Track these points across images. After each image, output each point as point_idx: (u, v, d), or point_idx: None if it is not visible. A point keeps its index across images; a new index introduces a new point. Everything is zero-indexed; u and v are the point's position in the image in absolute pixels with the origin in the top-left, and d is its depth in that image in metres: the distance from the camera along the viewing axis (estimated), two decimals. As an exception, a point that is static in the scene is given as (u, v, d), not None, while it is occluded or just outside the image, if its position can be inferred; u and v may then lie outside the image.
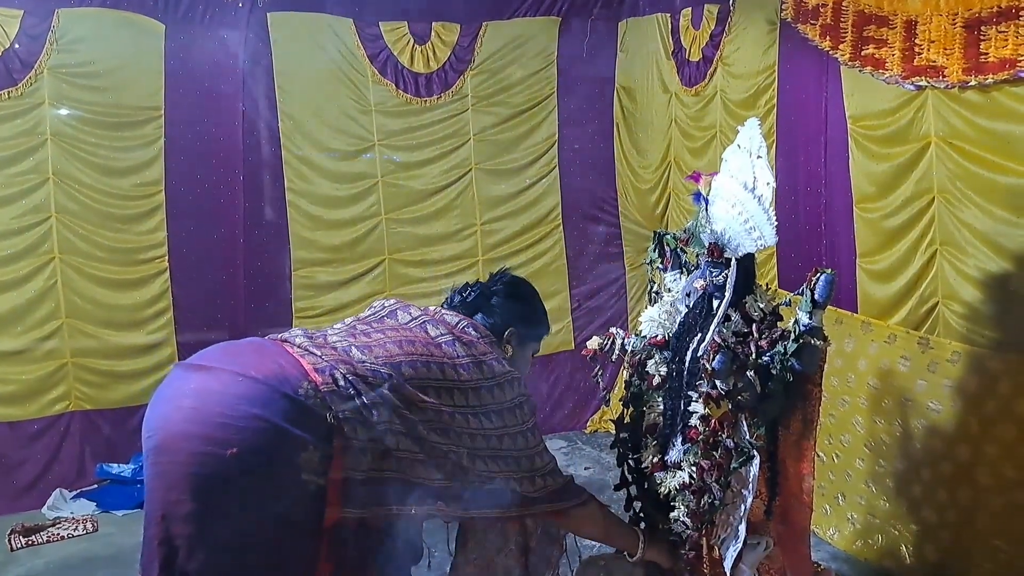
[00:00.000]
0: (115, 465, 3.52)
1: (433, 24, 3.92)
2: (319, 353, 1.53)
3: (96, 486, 3.52)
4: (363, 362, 1.53)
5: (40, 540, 3.13)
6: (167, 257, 3.60)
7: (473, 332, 1.72)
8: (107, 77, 3.44)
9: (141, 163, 3.54)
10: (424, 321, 1.71)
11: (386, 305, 1.80)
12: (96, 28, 3.41)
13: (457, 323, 1.73)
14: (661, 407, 2.10)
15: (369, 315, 1.78)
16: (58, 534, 3.18)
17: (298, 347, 1.55)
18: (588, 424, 4.26)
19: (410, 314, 1.74)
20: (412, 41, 3.90)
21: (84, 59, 3.41)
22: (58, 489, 3.45)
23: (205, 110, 3.62)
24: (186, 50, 3.56)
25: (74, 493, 3.47)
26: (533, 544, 1.94)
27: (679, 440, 2.00)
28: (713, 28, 3.53)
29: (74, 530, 3.21)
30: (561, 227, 4.23)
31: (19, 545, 3.10)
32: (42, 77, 3.34)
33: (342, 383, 1.48)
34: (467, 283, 1.90)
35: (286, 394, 1.44)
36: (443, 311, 1.77)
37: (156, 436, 1.46)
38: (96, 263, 3.51)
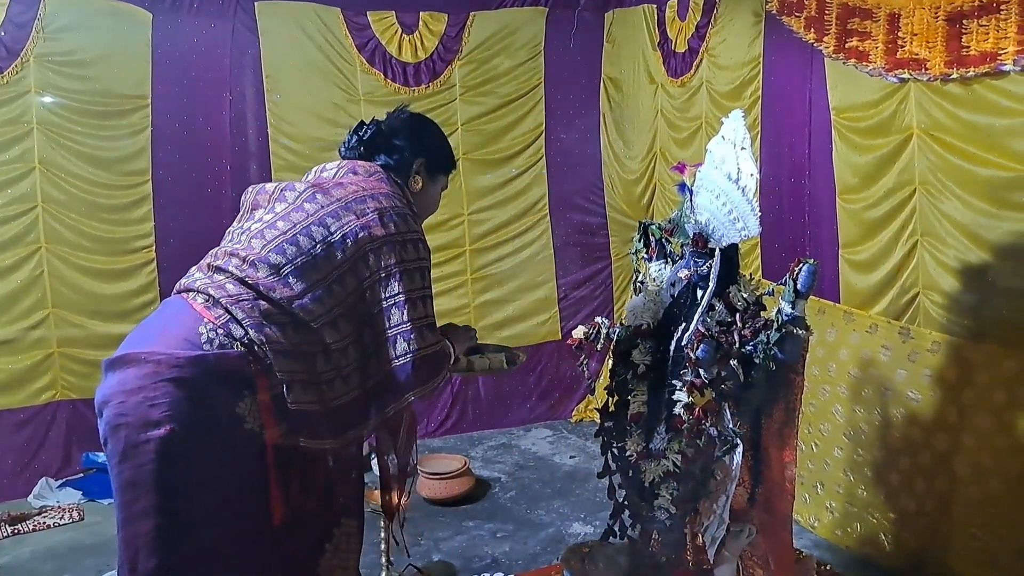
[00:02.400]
0: (101, 454, 3.50)
1: (421, 13, 3.91)
2: (201, 287, 1.55)
3: (82, 475, 3.51)
4: (238, 272, 1.54)
5: (26, 529, 3.13)
6: (154, 247, 3.59)
7: (352, 175, 1.67)
8: (94, 66, 3.41)
9: (128, 152, 3.52)
10: (282, 190, 1.66)
11: (248, 196, 1.74)
12: (83, 16, 3.37)
13: (335, 174, 1.69)
14: (646, 396, 2.13)
15: (241, 214, 1.74)
16: (44, 523, 3.17)
17: (187, 291, 1.57)
18: (574, 413, 4.30)
19: (267, 192, 1.69)
20: (400, 30, 3.89)
21: (71, 47, 3.37)
22: (44, 478, 3.44)
23: (192, 99, 3.59)
24: (173, 39, 3.53)
25: (60, 482, 3.47)
26: None
27: (663, 428, 2.03)
28: (699, 19, 3.54)
29: (60, 519, 3.21)
30: (548, 217, 4.24)
31: (5, 534, 3.09)
32: (28, 65, 3.30)
33: (229, 306, 1.50)
34: (362, 121, 1.82)
35: (192, 356, 1.47)
36: (323, 166, 1.73)
37: (107, 441, 1.51)
38: (83, 253, 3.49)
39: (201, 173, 3.66)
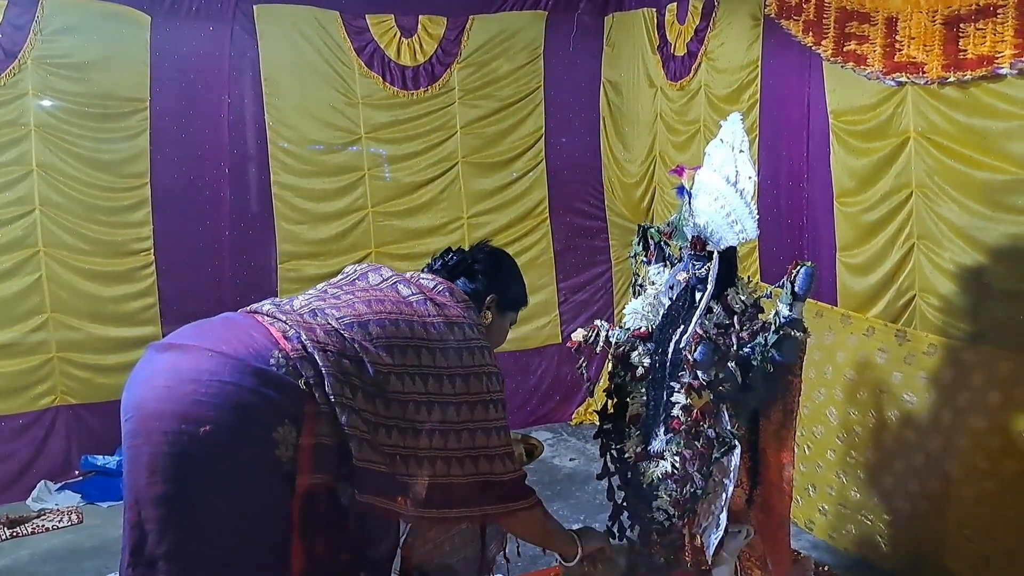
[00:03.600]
0: (100, 457, 3.52)
1: (420, 17, 3.92)
2: (286, 320, 1.53)
3: (81, 478, 3.52)
4: (330, 325, 1.53)
5: (25, 531, 3.13)
6: (153, 250, 3.59)
7: (449, 295, 1.70)
8: (92, 68, 3.41)
9: (126, 155, 3.52)
10: (396, 281, 1.70)
11: (358, 269, 1.78)
12: (81, 19, 3.38)
13: (434, 286, 1.71)
14: (644, 398, 2.13)
15: (341, 278, 1.77)
16: (43, 526, 3.17)
17: (267, 316, 1.56)
18: (574, 416, 4.30)
19: (382, 275, 1.73)
20: (399, 34, 3.90)
21: (69, 50, 3.38)
22: (43, 481, 3.44)
23: (191, 102, 3.60)
24: (172, 42, 3.54)
25: (59, 485, 3.47)
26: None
27: (662, 430, 2.04)
28: (698, 23, 3.56)
29: (59, 522, 3.21)
30: (548, 221, 4.25)
31: (4, 536, 3.09)
32: (26, 68, 3.31)
33: (310, 348, 1.48)
34: (449, 248, 1.89)
35: (258, 367, 1.44)
36: (420, 274, 1.77)
37: (131, 419, 1.46)
38: (81, 256, 3.50)
39: (200, 176, 3.67)
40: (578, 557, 1.85)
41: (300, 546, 1.49)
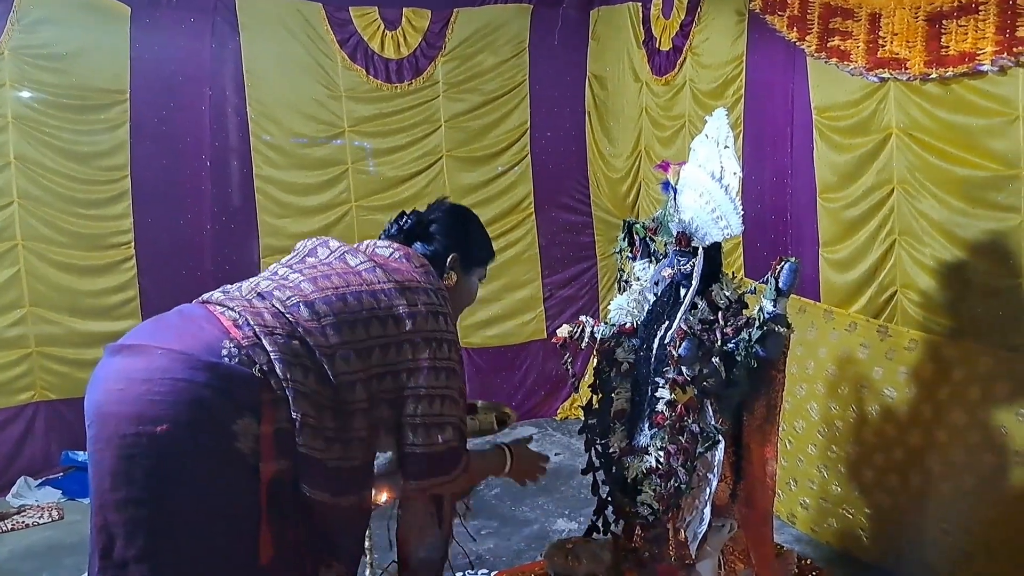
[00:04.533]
0: (80, 453, 3.48)
1: (404, 10, 3.89)
2: (235, 306, 1.52)
3: (61, 474, 3.48)
4: (276, 308, 1.52)
5: (5, 528, 3.09)
6: (133, 243, 3.55)
7: (406, 261, 1.66)
8: (70, 59, 3.36)
9: (106, 147, 3.47)
10: (344, 252, 1.67)
11: (307, 244, 1.75)
12: (59, 9, 3.33)
13: (389, 254, 1.68)
14: (629, 393, 2.14)
15: (292, 257, 1.73)
16: (23, 522, 3.14)
17: (218, 305, 1.54)
18: (559, 411, 4.31)
19: (330, 248, 1.70)
20: (382, 26, 3.87)
21: (47, 40, 3.32)
22: (23, 477, 3.40)
23: (172, 94, 3.56)
24: (152, 33, 3.49)
25: (39, 481, 3.43)
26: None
27: (646, 425, 2.05)
28: (683, 18, 3.56)
29: (39, 518, 3.18)
30: (533, 216, 4.24)
31: (-17, 534, 3.06)
32: (3, 58, 3.25)
33: (259, 333, 1.47)
34: (403, 211, 1.83)
35: (209, 361, 1.43)
36: (375, 242, 1.73)
37: (92, 424, 1.46)
38: (61, 249, 3.45)
39: (181, 169, 3.62)
40: (508, 467, 1.81)
41: (269, 533, 1.48)
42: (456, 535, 2.77)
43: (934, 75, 2.42)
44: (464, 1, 3.99)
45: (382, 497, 2.62)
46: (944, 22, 2.38)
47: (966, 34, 2.33)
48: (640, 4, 3.87)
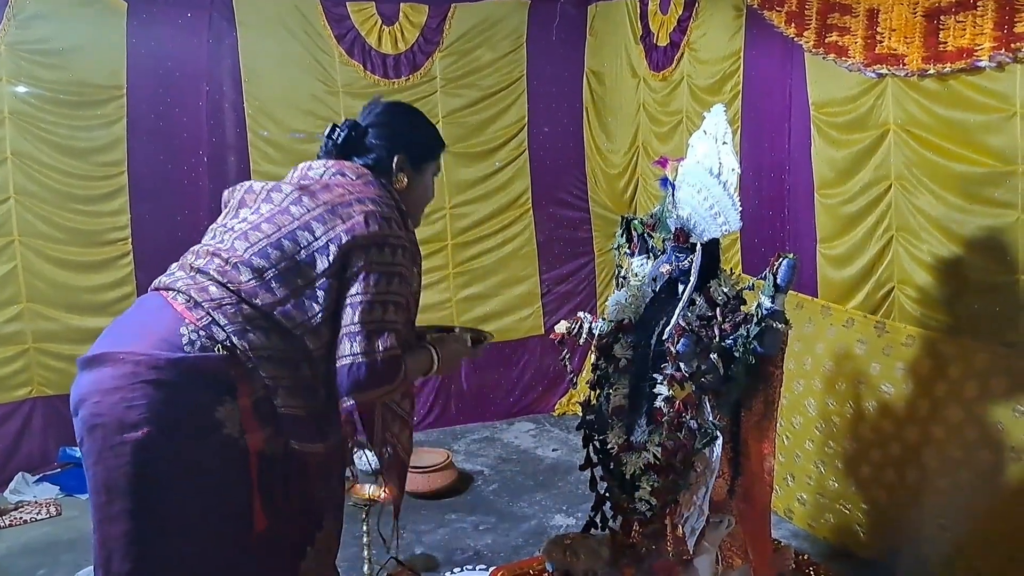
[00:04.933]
0: (78, 448, 3.47)
1: (401, 4, 3.88)
2: (182, 287, 1.52)
3: (59, 470, 3.47)
4: (217, 279, 1.50)
5: (2, 524, 3.09)
6: (130, 239, 3.54)
7: (342, 176, 1.61)
8: (67, 55, 3.35)
9: (103, 143, 3.46)
10: (269, 192, 1.62)
11: (234, 195, 1.69)
12: (56, 5, 3.31)
13: (322, 173, 1.62)
14: (627, 389, 2.14)
15: (225, 215, 1.68)
16: (21, 518, 3.14)
17: (168, 290, 1.54)
18: (556, 407, 4.31)
19: (255, 192, 1.64)
20: (380, 22, 3.86)
21: (43, 36, 3.31)
22: (20, 473, 3.40)
23: (169, 89, 3.54)
24: (149, 28, 3.47)
25: (37, 477, 3.42)
26: None
27: (644, 421, 2.05)
28: (680, 13, 3.55)
29: (37, 514, 3.17)
30: (531, 211, 4.24)
31: (-20, 530, 3.06)
32: (-1, 54, 3.25)
33: (210, 309, 1.48)
34: (335, 124, 1.73)
35: (171, 357, 1.44)
36: (310, 165, 1.67)
37: (81, 442, 1.49)
38: (57, 245, 3.44)
39: (178, 164, 3.61)
40: (436, 366, 1.72)
41: (260, 503, 1.50)
42: (454, 531, 2.77)
43: (932, 71, 2.41)
44: (462, -5, 3.98)
45: (381, 494, 2.62)
46: (942, 18, 2.38)
47: (964, 30, 2.32)
48: (638, 0, 3.87)
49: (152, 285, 1.61)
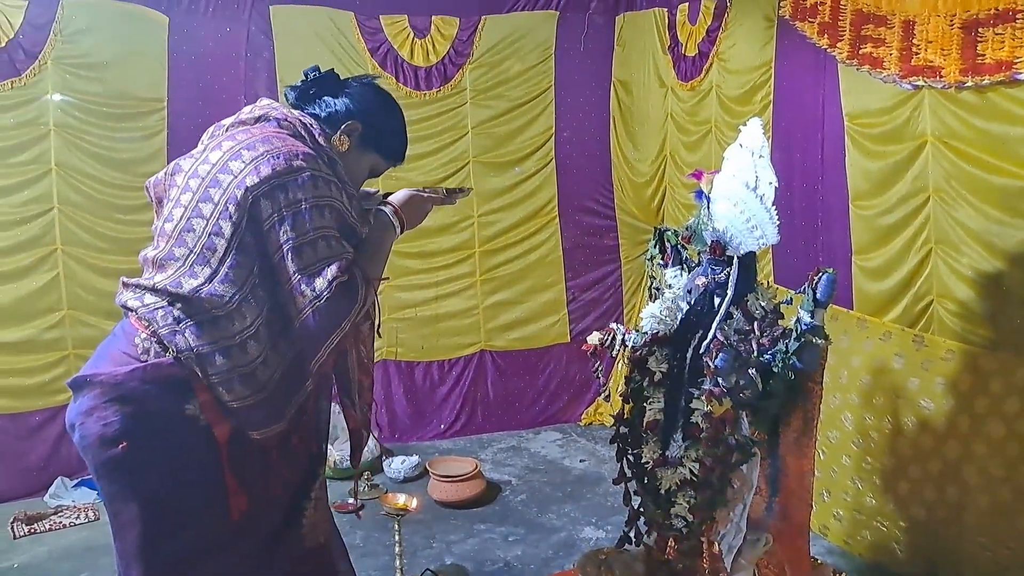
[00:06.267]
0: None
1: (433, 18, 3.92)
2: (132, 300, 1.55)
3: (97, 475, 3.54)
4: (151, 285, 1.52)
5: (42, 528, 3.15)
6: (168, 248, 3.61)
7: (276, 126, 1.55)
8: (110, 68, 3.43)
9: (144, 154, 3.53)
10: (197, 166, 1.56)
11: (162, 180, 1.63)
12: (100, 19, 3.39)
13: (257, 118, 1.58)
14: (662, 404, 2.14)
15: (167, 203, 1.61)
16: (60, 522, 3.20)
17: (124, 306, 1.57)
18: (583, 416, 4.30)
19: (183, 169, 1.58)
20: (412, 34, 3.91)
21: (87, 50, 3.39)
22: (60, 478, 3.46)
23: (208, 102, 3.60)
24: (189, 41, 3.55)
25: (75, 481, 3.49)
26: None
27: (680, 436, 2.04)
28: (710, 23, 3.55)
29: (76, 518, 3.23)
30: (557, 219, 4.25)
31: (22, 533, 3.11)
32: (46, 67, 3.32)
33: (154, 315, 1.50)
34: (316, 66, 1.68)
35: (131, 371, 1.49)
36: (223, 122, 1.63)
37: (88, 466, 1.57)
38: (98, 254, 3.51)
39: (215, 176, 3.67)
40: (398, 226, 1.68)
41: (236, 489, 1.55)
42: (484, 541, 2.78)
43: (970, 83, 2.39)
44: (491, 9, 4.01)
45: (412, 503, 2.64)
46: (980, 30, 2.35)
47: (1003, 42, 2.30)
48: (666, 10, 3.87)
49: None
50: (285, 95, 1.72)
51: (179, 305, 1.50)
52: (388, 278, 1.71)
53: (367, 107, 1.67)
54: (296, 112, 1.62)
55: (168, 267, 1.52)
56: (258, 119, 1.59)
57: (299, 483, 1.69)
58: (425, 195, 1.76)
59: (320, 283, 1.47)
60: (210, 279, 1.48)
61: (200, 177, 1.52)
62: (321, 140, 1.60)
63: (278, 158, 1.48)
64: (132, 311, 1.55)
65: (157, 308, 1.51)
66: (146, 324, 1.52)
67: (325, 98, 1.65)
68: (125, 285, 1.59)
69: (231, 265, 1.48)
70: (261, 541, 1.62)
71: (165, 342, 1.49)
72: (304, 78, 1.68)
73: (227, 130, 1.61)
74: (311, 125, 1.60)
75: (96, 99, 3.43)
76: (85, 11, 3.36)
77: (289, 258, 1.46)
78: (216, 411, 1.52)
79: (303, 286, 1.47)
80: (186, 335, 1.49)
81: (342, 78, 1.71)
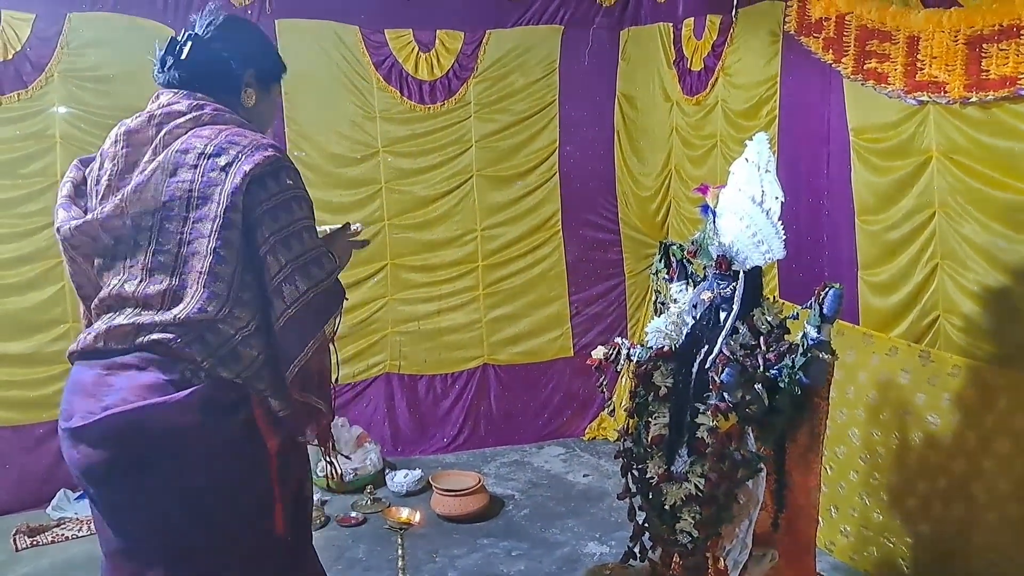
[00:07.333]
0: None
1: (437, 31, 3.94)
2: (160, 334, 1.49)
3: (99, 488, 3.52)
4: (131, 322, 1.51)
5: (45, 540, 3.14)
6: (172, 260, 3.61)
7: (176, 118, 1.52)
8: (117, 81, 3.44)
9: (148, 167, 3.55)
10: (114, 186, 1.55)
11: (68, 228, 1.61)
12: (106, 32, 3.42)
13: (163, 115, 1.55)
14: (667, 418, 2.13)
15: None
16: (62, 534, 3.19)
17: (154, 344, 1.51)
18: (587, 431, 4.28)
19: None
20: (417, 49, 3.93)
21: (94, 62, 3.41)
22: (62, 490, 3.46)
23: (212, 115, 3.62)
24: (194, 55, 3.57)
25: (78, 494, 3.47)
26: None
27: (685, 451, 2.04)
28: (715, 38, 3.57)
29: (78, 530, 3.22)
30: (561, 233, 4.25)
31: (24, 545, 3.10)
32: (52, 80, 3.35)
33: (193, 347, 1.48)
34: (173, 38, 1.62)
35: (181, 397, 1.46)
36: (169, 128, 1.55)
37: (114, 479, 1.58)
38: (101, 266, 3.52)
39: (220, 188, 3.68)
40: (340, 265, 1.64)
41: (280, 498, 1.55)
42: (487, 556, 2.76)
43: (974, 99, 2.39)
44: (496, 22, 4.03)
45: (415, 517, 2.63)
46: (984, 46, 2.36)
47: (1007, 58, 2.31)
48: (671, 25, 3.89)
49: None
50: (163, 75, 1.64)
51: (170, 334, 1.47)
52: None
53: (247, 48, 1.63)
54: (203, 96, 1.57)
55: (152, 301, 1.49)
56: (197, 118, 1.53)
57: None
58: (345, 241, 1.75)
59: (313, 274, 1.50)
60: (164, 291, 1.48)
61: (178, 198, 1.48)
62: (241, 113, 1.59)
63: (260, 152, 1.48)
64: (163, 345, 1.48)
65: (191, 341, 1.46)
66: (184, 355, 1.47)
67: (209, 62, 1.58)
68: (141, 327, 1.50)
69: (241, 276, 1.50)
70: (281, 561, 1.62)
71: (216, 370, 1.47)
72: (175, 56, 1.60)
73: (170, 134, 1.53)
74: (220, 100, 1.57)
75: (102, 111, 3.44)
76: (92, 24, 3.39)
77: (278, 251, 1.47)
78: (266, 422, 1.53)
79: (296, 277, 1.48)
80: (201, 343, 1.48)
81: (179, 39, 1.62)
